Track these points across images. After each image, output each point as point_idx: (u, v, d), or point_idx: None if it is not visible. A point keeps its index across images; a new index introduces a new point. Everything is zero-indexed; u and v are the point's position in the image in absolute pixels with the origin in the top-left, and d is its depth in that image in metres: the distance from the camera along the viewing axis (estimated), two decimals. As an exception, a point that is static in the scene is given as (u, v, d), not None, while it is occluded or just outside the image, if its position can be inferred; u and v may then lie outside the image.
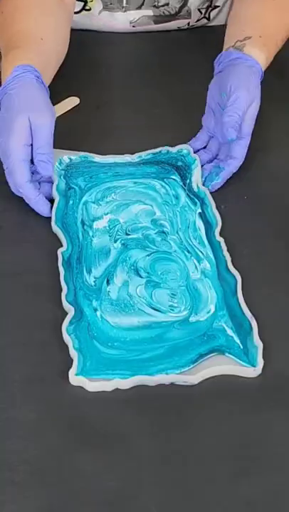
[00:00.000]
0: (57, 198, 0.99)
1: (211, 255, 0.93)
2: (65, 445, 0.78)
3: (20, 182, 0.96)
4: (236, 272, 0.91)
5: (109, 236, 0.94)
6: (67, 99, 1.15)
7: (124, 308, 0.88)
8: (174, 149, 1.07)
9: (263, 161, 1.06)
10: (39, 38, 1.05)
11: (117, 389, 0.82)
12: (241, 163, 1.03)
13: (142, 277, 0.90)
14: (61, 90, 1.12)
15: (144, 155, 1.07)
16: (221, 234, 0.97)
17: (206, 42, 1.29)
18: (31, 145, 0.97)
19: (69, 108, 1.15)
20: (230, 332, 0.86)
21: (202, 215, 0.98)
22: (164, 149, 1.07)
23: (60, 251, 0.93)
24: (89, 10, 1.27)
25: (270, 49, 1.07)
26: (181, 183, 1.02)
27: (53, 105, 1.07)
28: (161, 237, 0.94)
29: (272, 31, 1.09)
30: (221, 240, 0.95)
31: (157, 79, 1.22)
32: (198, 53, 1.27)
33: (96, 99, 1.17)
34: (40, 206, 0.97)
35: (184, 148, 1.06)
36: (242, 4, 1.14)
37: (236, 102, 1.00)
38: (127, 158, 1.06)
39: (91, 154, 1.06)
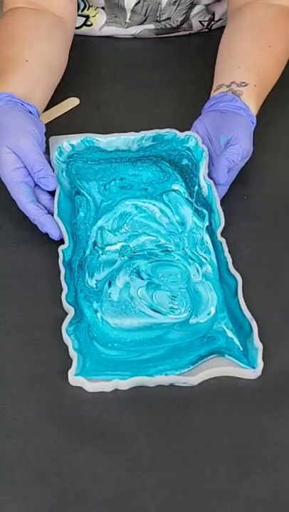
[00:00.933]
0: (58, 188, 0.97)
1: (214, 259, 0.93)
2: (65, 445, 0.78)
3: (22, 203, 0.96)
4: (237, 273, 0.91)
5: (118, 254, 0.93)
6: (67, 100, 1.15)
7: (125, 309, 0.88)
8: (181, 135, 1.03)
9: (263, 161, 1.06)
10: (24, 61, 1.05)
11: (116, 389, 0.82)
12: (227, 187, 1.01)
13: (143, 279, 0.90)
14: (61, 90, 1.12)
15: (148, 135, 1.03)
16: (221, 234, 0.97)
17: (206, 44, 1.29)
18: (26, 167, 0.97)
19: (69, 108, 1.15)
20: (230, 334, 0.86)
21: (209, 226, 0.96)
22: (171, 132, 1.03)
23: (61, 248, 0.92)
24: (90, 25, 1.27)
25: (261, 100, 1.07)
26: (187, 195, 0.98)
27: (53, 106, 1.07)
28: (165, 253, 0.93)
29: (266, 76, 1.08)
30: (223, 240, 0.95)
31: (157, 79, 1.22)
32: (198, 54, 1.27)
33: (96, 100, 1.17)
34: (49, 228, 0.94)
35: (192, 135, 1.02)
36: (237, 35, 1.12)
37: (236, 153, 0.99)
38: (131, 136, 1.03)
39: (93, 135, 1.03)
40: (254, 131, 1.02)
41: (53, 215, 0.95)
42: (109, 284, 0.90)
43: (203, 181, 0.99)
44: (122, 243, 0.92)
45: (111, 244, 0.93)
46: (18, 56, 1.05)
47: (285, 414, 0.81)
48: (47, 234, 0.95)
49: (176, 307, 0.88)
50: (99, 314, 0.87)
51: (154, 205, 0.97)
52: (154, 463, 0.77)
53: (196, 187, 0.99)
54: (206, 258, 0.93)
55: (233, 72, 1.06)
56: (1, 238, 0.97)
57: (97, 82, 1.21)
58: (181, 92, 1.20)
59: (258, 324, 0.86)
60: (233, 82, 1.05)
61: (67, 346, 0.85)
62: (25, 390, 0.82)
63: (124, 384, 0.82)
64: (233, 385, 0.83)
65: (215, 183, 0.98)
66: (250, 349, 0.84)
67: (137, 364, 0.83)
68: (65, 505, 0.73)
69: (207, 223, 0.96)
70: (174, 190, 0.98)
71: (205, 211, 0.96)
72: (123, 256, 0.92)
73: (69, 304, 0.87)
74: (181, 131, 1.03)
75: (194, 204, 0.97)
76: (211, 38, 1.29)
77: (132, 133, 1.04)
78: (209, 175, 0.99)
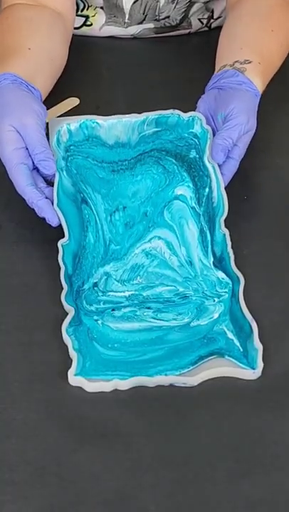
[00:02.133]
0: (57, 177, 0.94)
1: (231, 283, 0.89)
2: (65, 445, 0.78)
3: (21, 186, 0.94)
4: (240, 273, 0.90)
5: (126, 299, 0.88)
6: (67, 100, 1.15)
7: (128, 319, 0.87)
8: (185, 116, 0.99)
9: (263, 161, 1.06)
10: (26, 48, 1.04)
11: (116, 389, 0.82)
12: (228, 181, 0.97)
13: (151, 308, 0.87)
14: (61, 91, 1.12)
15: (151, 117, 0.99)
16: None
17: (205, 43, 1.29)
18: (26, 149, 0.95)
19: (69, 108, 1.15)
20: (230, 335, 0.86)
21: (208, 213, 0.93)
22: (174, 113, 0.99)
23: (60, 243, 0.91)
24: (90, 25, 1.27)
25: (267, 77, 1.06)
26: (194, 201, 0.93)
27: (53, 106, 1.07)
28: (184, 298, 0.89)
29: (270, 58, 1.07)
30: (226, 231, 0.92)
31: (157, 79, 1.22)
32: (198, 54, 1.27)
33: (96, 100, 1.17)
34: (47, 213, 0.92)
35: (196, 116, 0.98)
36: (238, 21, 1.12)
37: (234, 127, 0.97)
38: (132, 119, 1.00)
39: (94, 117, 1.01)
40: (255, 131, 1.02)
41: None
42: (113, 310, 0.88)
43: (207, 163, 0.95)
44: (131, 292, 0.88)
45: (117, 291, 0.88)
46: (20, 44, 1.05)
47: (285, 414, 0.81)
48: (44, 219, 0.93)
49: (180, 317, 0.88)
50: (100, 322, 0.87)
51: (159, 238, 0.91)
52: (154, 463, 0.77)
53: (207, 189, 0.94)
54: (225, 291, 0.89)
55: (235, 53, 1.05)
56: (1, 238, 0.97)
57: (97, 82, 1.21)
58: (181, 91, 1.19)
59: (258, 324, 0.86)
60: (236, 61, 1.03)
61: (67, 346, 0.85)
62: (25, 390, 0.82)
63: (124, 384, 0.82)
64: (233, 385, 0.83)
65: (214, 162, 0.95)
66: (250, 350, 0.84)
67: (137, 364, 0.83)
68: (65, 505, 0.73)
69: (212, 259, 0.91)
70: (177, 198, 0.94)
71: (209, 236, 0.91)
72: (132, 300, 0.88)
73: (69, 304, 0.87)
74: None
75: (201, 218, 0.92)
76: (210, 37, 1.29)
77: (134, 115, 1.00)
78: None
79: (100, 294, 0.88)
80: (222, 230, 0.92)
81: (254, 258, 0.95)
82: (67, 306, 0.87)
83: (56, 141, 0.99)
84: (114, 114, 1.03)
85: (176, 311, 0.85)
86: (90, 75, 1.23)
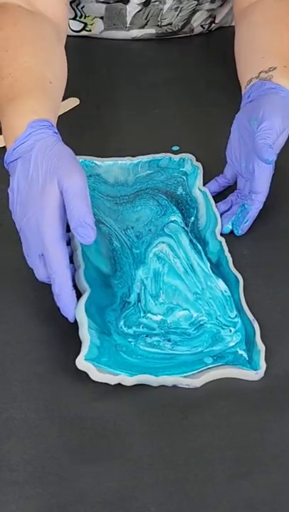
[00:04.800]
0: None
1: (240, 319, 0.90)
2: (65, 445, 0.78)
3: (57, 266, 0.82)
4: (239, 274, 0.92)
5: (158, 325, 0.89)
6: (67, 100, 1.15)
7: (153, 346, 0.87)
8: (175, 157, 1.06)
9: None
10: (48, 82, 0.94)
11: (118, 389, 0.82)
12: (266, 196, 0.97)
13: (170, 341, 0.87)
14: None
15: (144, 161, 1.06)
16: (221, 234, 0.97)
17: (206, 44, 1.29)
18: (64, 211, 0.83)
19: (69, 108, 1.15)
20: (240, 352, 0.86)
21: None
22: (166, 156, 1.06)
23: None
24: (89, 31, 1.27)
25: None
26: (183, 224, 0.98)
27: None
28: (198, 328, 0.89)
29: None
30: (222, 239, 0.96)
31: (157, 79, 1.22)
32: (199, 54, 1.27)
33: (96, 100, 1.17)
34: (69, 302, 0.83)
35: (186, 157, 1.05)
36: (251, 28, 1.09)
37: (269, 128, 0.94)
38: (127, 162, 1.06)
39: (91, 158, 1.05)
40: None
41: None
42: (147, 336, 0.88)
43: (198, 192, 1.02)
44: (161, 316, 0.89)
45: (153, 314, 0.89)
46: (41, 74, 0.94)
47: (285, 415, 0.81)
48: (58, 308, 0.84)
49: (194, 349, 0.87)
50: (132, 343, 0.86)
51: (162, 242, 0.96)
52: (154, 463, 0.77)
53: (193, 218, 0.99)
54: (237, 322, 0.89)
55: (258, 64, 1.03)
56: (1, 236, 0.97)
57: (97, 82, 1.21)
58: (182, 91, 1.20)
59: (259, 325, 0.87)
60: (261, 72, 1.01)
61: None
62: (26, 390, 0.82)
63: (129, 380, 0.82)
64: (234, 385, 0.83)
65: (265, 162, 0.94)
66: (254, 354, 0.85)
67: (148, 370, 0.83)
68: (65, 505, 0.73)
69: (209, 264, 0.94)
70: (172, 222, 0.98)
71: (199, 246, 0.96)
72: (161, 329, 0.88)
73: (87, 282, 0.87)
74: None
75: (189, 234, 0.97)
76: (211, 37, 1.30)
77: (129, 158, 1.06)
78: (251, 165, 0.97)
79: (142, 313, 0.89)
80: (218, 239, 0.96)
81: (254, 258, 0.96)
82: (84, 285, 0.87)
83: None
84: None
85: (191, 345, 0.87)
86: (90, 74, 1.23)
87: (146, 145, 1.08)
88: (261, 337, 0.86)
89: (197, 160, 1.06)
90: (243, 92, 1.04)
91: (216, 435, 0.79)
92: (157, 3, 1.22)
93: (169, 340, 0.87)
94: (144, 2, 1.21)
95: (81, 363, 0.81)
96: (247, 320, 0.88)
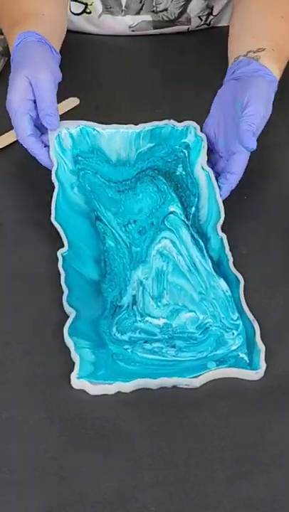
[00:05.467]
0: (56, 184, 0.97)
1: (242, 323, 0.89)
2: (65, 445, 0.78)
3: (22, 135, 0.98)
4: (239, 274, 0.91)
5: (160, 330, 0.87)
6: (66, 100, 1.15)
7: (154, 353, 0.86)
8: (179, 126, 1.03)
9: (263, 161, 1.06)
10: (40, 14, 1.07)
11: (118, 391, 0.82)
12: (240, 178, 0.98)
13: (174, 347, 0.87)
14: (61, 91, 1.12)
15: (146, 130, 1.03)
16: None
17: (204, 42, 1.29)
18: (34, 101, 0.98)
19: (69, 108, 1.15)
20: (242, 355, 0.86)
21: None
22: (169, 123, 1.03)
23: (60, 252, 0.92)
24: (89, 13, 1.27)
25: (282, 63, 1.04)
26: (183, 216, 0.96)
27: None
28: (204, 332, 0.88)
29: (283, 44, 1.05)
30: (224, 236, 0.94)
31: (158, 78, 1.22)
32: (198, 54, 1.27)
33: (96, 100, 1.17)
34: (44, 160, 0.99)
35: (190, 125, 1.02)
36: (246, 10, 1.10)
37: (254, 114, 0.95)
38: (130, 129, 1.03)
39: (92, 124, 1.03)
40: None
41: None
42: (145, 342, 0.87)
43: (201, 171, 0.99)
44: (164, 320, 0.88)
45: (154, 317, 0.88)
46: (35, 9, 1.07)
47: (285, 415, 0.81)
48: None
49: (199, 354, 0.86)
50: (129, 350, 0.86)
51: (165, 238, 0.94)
52: (154, 463, 0.77)
53: (193, 208, 0.97)
54: (239, 324, 0.88)
55: (247, 43, 1.04)
56: (1, 238, 0.97)
57: (97, 82, 1.21)
58: (182, 91, 1.20)
59: (259, 324, 0.86)
60: (249, 51, 1.02)
61: (68, 346, 0.85)
62: (26, 390, 0.82)
63: (128, 386, 0.82)
64: (234, 385, 0.83)
65: (246, 149, 0.95)
66: (255, 356, 0.84)
67: (147, 377, 0.83)
68: (65, 505, 0.73)
69: (210, 262, 0.93)
70: (171, 213, 0.97)
71: (201, 242, 0.94)
72: (164, 334, 0.87)
73: (70, 306, 0.87)
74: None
75: (190, 228, 0.95)
76: (210, 36, 1.30)
77: (131, 125, 1.03)
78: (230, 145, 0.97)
79: (139, 317, 0.88)
80: (219, 235, 0.94)
81: (254, 258, 0.95)
82: (68, 309, 0.87)
83: (59, 146, 1.00)
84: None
85: (197, 350, 0.86)
86: (90, 74, 1.23)
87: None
88: (261, 337, 0.86)
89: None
90: (229, 67, 1.04)
91: (216, 435, 0.79)
92: None
93: (173, 347, 0.86)
94: None
95: (75, 382, 0.82)
96: (247, 320, 0.88)
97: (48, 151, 0.99)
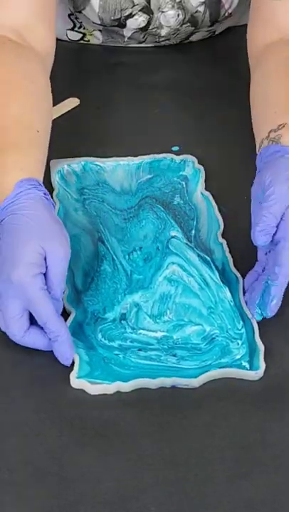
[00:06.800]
0: (57, 203, 0.99)
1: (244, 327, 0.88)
2: (65, 445, 0.78)
3: (47, 315, 0.81)
4: (238, 273, 0.92)
5: (157, 342, 0.86)
6: (67, 100, 1.15)
7: (151, 360, 0.85)
8: (177, 159, 1.06)
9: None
10: (35, 131, 0.93)
11: (118, 390, 0.82)
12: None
13: (175, 356, 0.86)
14: (61, 91, 1.12)
15: (145, 161, 1.05)
16: (221, 235, 0.97)
17: (208, 45, 1.29)
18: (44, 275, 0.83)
19: (69, 108, 1.15)
20: (244, 363, 0.85)
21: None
22: (168, 157, 1.06)
23: None
24: (88, 41, 1.27)
25: None
26: (185, 240, 0.95)
27: (53, 106, 1.07)
28: (210, 342, 0.87)
29: None
30: (224, 241, 0.96)
31: (158, 79, 1.22)
32: (200, 54, 1.27)
33: (96, 100, 1.17)
34: (69, 348, 0.82)
35: (187, 159, 1.05)
36: (266, 79, 1.04)
37: (271, 198, 0.86)
38: (130, 162, 1.05)
39: (93, 159, 1.05)
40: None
41: None
42: (139, 350, 0.86)
43: (200, 197, 1.01)
44: (163, 333, 0.86)
45: (150, 330, 0.87)
46: (29, 123, 0.94)
47: (285, 415, 0.81)
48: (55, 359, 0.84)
49: (202, 364, 0.86)
50: (121, 356, 0.85)
51: (173, 263, 0.92)
52: (154, 463, 0.77)
53: (193, 231, 0.98)
54: (243, 333, 0.87)
55: (269, 121, 0.97)
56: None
57: (97, 83, 1.21)
58: (182, 90, 1.20)
59: (258, 324, 0.86)
60: (270, 131, 0.94)
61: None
62: (26, 390, 0.82)
63: (127, 386, 0.82)
64: (234, 385, 0.83)
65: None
66: (255, 358, 0.84)
67: (146, 377, 0.83)
68: (65, 506, 0.73)
69: (217, 272, 0.91)
70: (173, 237, 0.96)
71: (207, 258, 0.93)
72: (163, 344, 0.86)
73: (70, 304, 0.87)
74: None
75: (195, 250, 0.94)
76: (212, 39, 1.29)
77: (130, 158, 1.05)
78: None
79: (129, 330, 0.87)
80: (220, 242, 0.96)
81: (253, 258, 0.95)
82: (68, 308, 0.87)
83: (62, 180, 1.02)
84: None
85: (200, 359, 0.85)
86: (90, 75, 1.23)
87: (146, 145, 1.08)
88: (261, 337, 0.85)
89: (198, 162, 1.06)
90: (257, 153, 0.98)
91: (216, 435, 0.79)
92: (155, 29, 1.21)
93: (174, 355, 0.85)
94: (142, 28, 1.21)
95: (74, 381, 0.82)
96: (247, 319, 0.88)
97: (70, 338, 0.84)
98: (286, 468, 0.77)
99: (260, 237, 0.86)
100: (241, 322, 0.88)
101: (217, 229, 0.98)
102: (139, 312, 0.88)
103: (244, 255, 0.95)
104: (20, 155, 0.90)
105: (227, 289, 0.90)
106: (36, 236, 0.82)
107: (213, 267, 0.93)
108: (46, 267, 0.82)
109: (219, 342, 0.86)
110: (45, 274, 0.82)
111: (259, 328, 0.86)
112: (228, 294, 0.90)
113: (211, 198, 1.01)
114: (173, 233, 0.96)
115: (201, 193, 1.02)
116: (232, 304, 0.89)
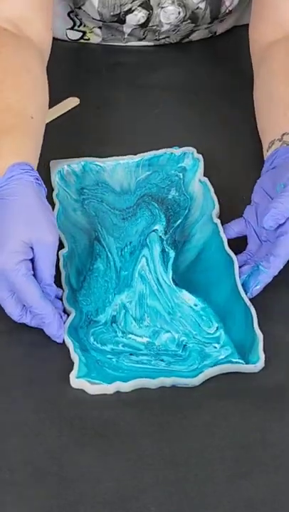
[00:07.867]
0: (57, 204, 0.99)
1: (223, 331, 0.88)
2: (65, 445, 0.78)
3: (32, 299, 0.83)
4: (233, 254, 0.91)
5: (145, 347, 0.87)
6: (66, 100, 1.15)
7: (143, 364, 0.85)
8: (177, 152, 1.05)
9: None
10: (29, 117, 0.94)
11: (117, 390, 0.82)
12: (284, 263, 0.89)
13: (163, 361, 0.86)
14: (61, 91, 1.12)
15: (145, 158, 1.05)
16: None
17: (208, 45, 1.29)
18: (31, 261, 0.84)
19: (69, 108, 1.15)
20: (235, 360, 0.85)
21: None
22: (168, 151, 1.06)
23: (60, 253, 0.92)
24: (88, 40, 1.27)
25: None
26: (162, 233, 0.96)
27: (53, 106, 1.07)
28: (184, 350, 0.86)
29: None
30: (218, 221, 0.95)
31: (158, 78, 1.22)
32: (200, 53, 1.27)
33: (96, 100, 1.17)
34: (56, 329, 0.85)
35: (187, 152, 1.05)
36: (272, 79, 1.03)
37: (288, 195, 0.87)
38: (129, 160, 1.05)
39: (92, 159, 1.05)
40: (254, 132, 1.02)
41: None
42: (131, 354, 0.86)
43: (198, 184, 1.01)
44: (147, 339, 0.87)
45: (137, 335, 0.87)
46: (23, 109, 0.95)
47: (285, 415, 0.81)
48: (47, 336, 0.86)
49: (190, 367, 0.85)
50: (114, 360, 0.85)
51: (143, 256, 0.94)
52: (154, 463, 0.77)
53: (179, 221, 0.98)
54: (219, 336, 0.87)
55: (280, 123, 0.97)
56: None
57: (97, 82, 1.21)
58: (182, 90, 1.20)
59: (257, 324, 0.87)
60: (284, 134, 0.95)
61: (67, 347, 0.85)
62: (26, 390, 0.82)
63: (126, 386, 0.82)
64: (234, 384, 0.83)
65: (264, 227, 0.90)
66: (252, 358, 0.84)
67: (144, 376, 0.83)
68: (65, 506, 0.73)
69: (171, 273, 0.92)
70: (153, 231, 0.97)
71: (171, 253, 0.95)
72: (150, 350, 0.87)
73: (70, 305, 0.87)
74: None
75: (164, 241, 0.96)
76: (213, 39, 1.29)
77: (130, 156, 1.05)
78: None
79: (120, 333, 0.87)
80: (214, 222, 0.95)
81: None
82: (68, 308, 0.87)
83: (62, 180, 1.02)
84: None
85: (186, 364, 0.85)
86: (90, 74, 1.23)
87: (146, 145, 1.08)
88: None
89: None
90: (265, 155, 0.99)
91: (216, 435, 0.79)
92: (155, 26, 1.21)
93: (162, 360, 0.85)
94: (142, 24, 1.21)
95: (74, 381, 0.82)
96: (244, 306, 0.87)
97: (60, 319, 0.85)
98: (286, 468, 0.77)
99: (269, 220, 0.88)
100: (214, 325, 0.87)
101: (212, 208, 0.97)
102: (127, 315, 0.89)
103: (242, 252, 0.95)
104: (13, 139, 0.90)
105: (184, 291, 0.90)
106: (23, 223, 0.84)
107: (170, 267, 0.93)
108: (35, 254, 0.84)
109: (192, 348, 0.86)
110: (34, 261, 0.84)
111: (259, 326, 0.86)
112: (187, 297, 0.90)
113: (208, 182, 1.00)
114: (156, 227, 0.97)
115: (199, 180, 1.02)
116: (196, 308, 0.89)
